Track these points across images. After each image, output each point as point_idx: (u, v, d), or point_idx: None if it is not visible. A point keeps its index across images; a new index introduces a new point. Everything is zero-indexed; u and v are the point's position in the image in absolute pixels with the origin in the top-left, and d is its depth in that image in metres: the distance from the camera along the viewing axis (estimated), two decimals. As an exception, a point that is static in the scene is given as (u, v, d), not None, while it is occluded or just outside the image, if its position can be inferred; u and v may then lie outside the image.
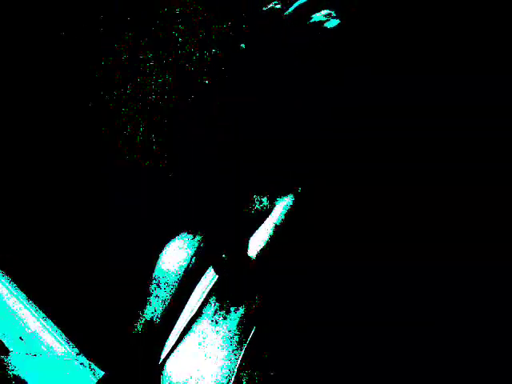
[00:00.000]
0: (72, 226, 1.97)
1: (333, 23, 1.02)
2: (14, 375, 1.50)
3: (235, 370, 1.07)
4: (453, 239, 1.54)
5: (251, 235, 1.02)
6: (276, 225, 0.98)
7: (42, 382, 1.49)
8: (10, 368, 1.48)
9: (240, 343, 1.10)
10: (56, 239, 1.95)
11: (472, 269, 1.50)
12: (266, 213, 1.03)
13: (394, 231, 1.41)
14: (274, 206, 1.01)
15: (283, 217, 0.99)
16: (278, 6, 0.95)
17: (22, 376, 1.51)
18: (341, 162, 1.08)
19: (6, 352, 1.51)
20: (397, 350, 1.31)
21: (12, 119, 2.12)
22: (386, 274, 1.32)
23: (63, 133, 2.10)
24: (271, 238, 0.98)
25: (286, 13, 0.95)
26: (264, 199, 1.03)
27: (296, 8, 0.96)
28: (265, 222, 1.01)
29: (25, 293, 1.66)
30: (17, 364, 1.52)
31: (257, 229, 1.02)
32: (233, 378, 1.07)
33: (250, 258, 1.00)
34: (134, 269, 1.70)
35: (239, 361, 1.08)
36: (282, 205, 1.00)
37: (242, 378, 1.07)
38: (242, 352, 1.09)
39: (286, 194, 1.01)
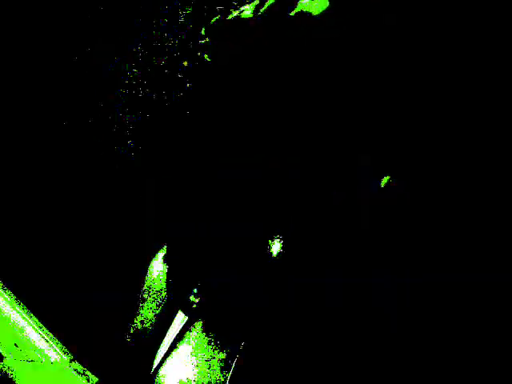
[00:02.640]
0: (66, 232, 1.98)
1: (321, 7, 0.94)
2: (9, 381, 1.51)
3: (227, 380, 1.08)
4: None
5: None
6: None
7: None
8: (4, 374, 1.49)
9: (232, 353, 1.11)
10: (49, 245, 1.96)
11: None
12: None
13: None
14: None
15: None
16: (248, 13, 0.90)
17: (17, 382, 1.52)
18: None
19: (1, 358, 1.52)
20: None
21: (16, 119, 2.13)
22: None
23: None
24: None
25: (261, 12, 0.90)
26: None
27: (269, 8, 0.90)
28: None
29: (20, 300, 1.67)
30: (11, 370, 1.54)
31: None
32: None
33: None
34: (126, 276, 1.71)
35: (231, 371, 1.09)
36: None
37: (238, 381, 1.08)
38: (234, 362, 1.09)
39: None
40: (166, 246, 1.26)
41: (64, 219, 2.05)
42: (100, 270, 1.94)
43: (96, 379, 1.43)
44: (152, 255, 1.36)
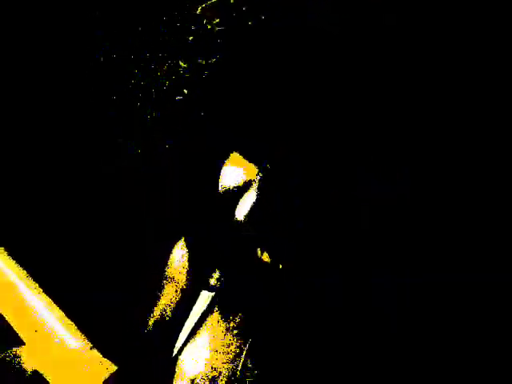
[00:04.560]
0: (66, 232, 2.00)
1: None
2: (29, 367, 1.52)
3: (241, 364, 1.12)
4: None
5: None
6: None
7: (56, 375, 1.52)
8: (24, 360, 1.51)
9: (245, 339, 1.15)
10: (72, 235, 1.98)
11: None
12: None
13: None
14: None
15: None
16: None
17: (36, 368, 1.53)
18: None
19: (21, 344, 1.54)
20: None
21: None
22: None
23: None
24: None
25: None
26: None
27: None
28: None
29: (41, 286, 1.69)
30: (31, 356, 1.56)
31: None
32: (238, 371, 1.11)
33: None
34: (145, 263, 1.73)
35: (244, 355, 1.13)
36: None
37: (247, 371, 1.12)
38: (247, 347, 1.13)
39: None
40: (183, 238, 1.31)
41: (65, 219, 2.07)
42: (100, 270, 1.95)
43: (115, 367, 1.45)
44: (153, 255, 1.41)
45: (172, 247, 1.35)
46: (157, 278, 1.30)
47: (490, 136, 1.56)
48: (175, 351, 1.17)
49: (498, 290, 1.56)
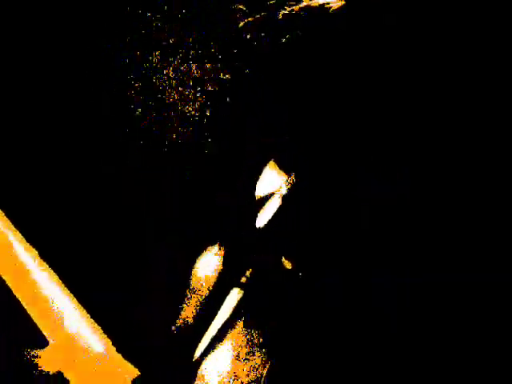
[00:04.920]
0: (85, 223, 1.99)
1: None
2: (52, 368, 1.50)
3: (264, 375, 1.11)
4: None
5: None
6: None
7: (79, 378, 1.53)
8: (48, 360, 1.49)
9: (270, 351, 1.14)
10: (71, 235, 1.97)
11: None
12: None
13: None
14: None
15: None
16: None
17: (60, 369, 1.52)
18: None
19: (46, 344, 1.52)
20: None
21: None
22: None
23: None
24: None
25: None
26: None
27: None
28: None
29: (69, 290, 1.66)
30: (55, 357, 1.56)
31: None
32: (262, 382, 1.11)
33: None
34: (169, 271, 1.72)
35: (267, 367, 1.12)
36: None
37: (271, 382, 1.11)
38: (271, 360, 1.13)
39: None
40: (211, 243, 1.31)
41: (64, 219, 2.06)
42: (100, 270, 1.94)
43: (138, 372, 1.42)
44: (152, 255, 1.41)
45: (195, 251, 1.35)
46: (183, 282, 1.30)
47: (489, 136, 1.55)
48: (197, 356, 1.16)
49: (497, 290, 1.55)
